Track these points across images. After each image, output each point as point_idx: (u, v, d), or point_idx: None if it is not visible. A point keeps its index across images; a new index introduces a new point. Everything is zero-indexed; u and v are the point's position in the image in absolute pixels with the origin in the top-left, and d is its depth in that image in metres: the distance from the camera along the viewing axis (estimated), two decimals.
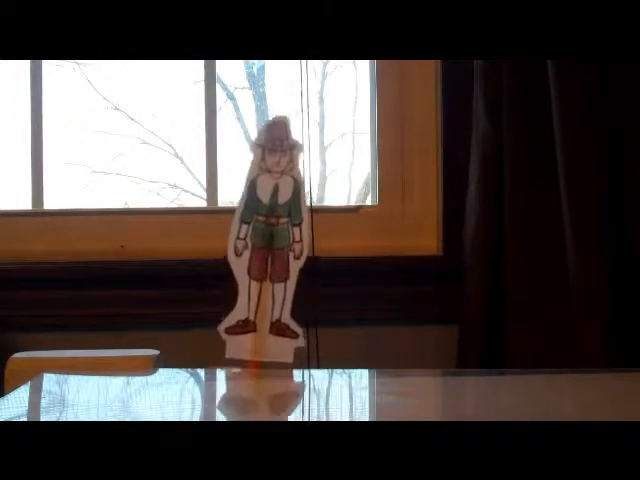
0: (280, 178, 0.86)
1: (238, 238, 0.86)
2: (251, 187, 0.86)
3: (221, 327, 0.86)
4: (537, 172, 1.17)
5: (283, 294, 0.85)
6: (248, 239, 0.85)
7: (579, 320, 1.12)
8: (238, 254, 0.86)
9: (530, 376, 0.85)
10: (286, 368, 0.85)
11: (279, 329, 0.85)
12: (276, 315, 0.85)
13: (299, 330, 0.85)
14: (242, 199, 0.87)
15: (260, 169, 0.86)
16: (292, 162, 0.86)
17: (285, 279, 0.85)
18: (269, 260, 0.86)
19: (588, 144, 1.13)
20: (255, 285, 0.85)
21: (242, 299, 0.85)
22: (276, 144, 0.86)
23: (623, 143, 1.14)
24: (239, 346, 0.85)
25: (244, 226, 0.86)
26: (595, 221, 1.12)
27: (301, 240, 0.85)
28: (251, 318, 0.85)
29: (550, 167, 1.15)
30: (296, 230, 0.85)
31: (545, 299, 1.16)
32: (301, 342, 0.85)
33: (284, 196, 0.86)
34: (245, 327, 0.85)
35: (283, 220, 0.86)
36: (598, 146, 1.13)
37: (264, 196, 0.86)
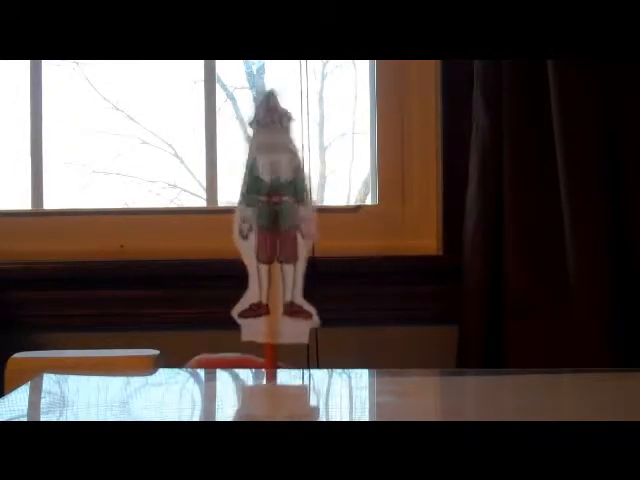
0: (278, 154, 0.84)
1: (243, 221, 0.84)
2: (251, 168, 0.84)
3: (234, 311, 0.85)
4: (537, 172, 1.17)
5: (293, 275, 0.84)
6: (253, 222, 0.84)
7: (579, 320, 1.12)
8: (244, 236, 0.85)
9: (530, 376, 0.85)
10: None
11: (292, 310, 0.84)
12: (288, 296, 0.84)
13: (312, 310, 0.84)
14: (244, 182, 0.85)
15: (257, 148, 0.84)
16: (286, 134, 0.83)
17: (294, 260, 0.84)
18: (277, 242, 0.85)
19: (588, 144, 1.13)
20: (264, 268, 0.84)
21: (252, 283, 0.84)
22: (267, 118, 0.84)
23: (623, 143, 1.14)
24: (254, 329, 0.84)
25: (248, 209, 0.84)
26: (595, 221, 1.12)
27: (307, 218, 0.84)
28: (263, 301, 0.84)
29: (550, 167, 1.15)
30: (302, 208, 0.84)
31: (545, 299, 1.16)
32: (316, 322, 0.84)
33: (285, 172, 0.84)
34: (258, 310, 0.84)
35: (287, 198, 0.84)
36: (598, 146, 1.13)
37: (265, 175, 0.84)
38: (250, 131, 0.86)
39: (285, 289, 0.84)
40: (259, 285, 0.84)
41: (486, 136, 1.18)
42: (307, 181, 0.84)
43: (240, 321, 0.85)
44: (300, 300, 0.84)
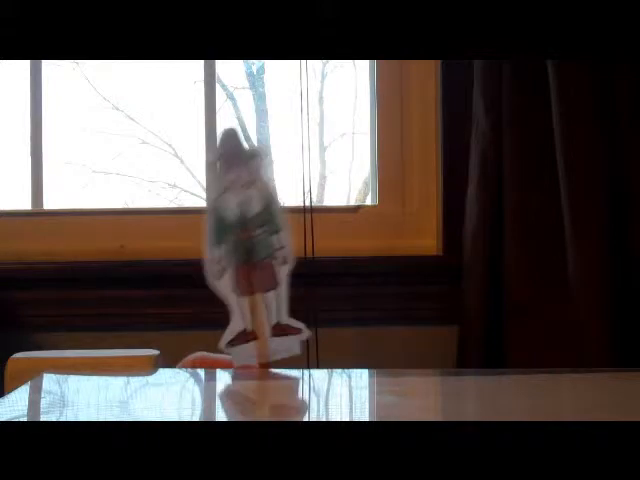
0: (245, 192, 0.81)
1: (215, 264, 0.82)
2: (216, 207, 0.81)
3: (222, 343, 0.84)
4: (537, 172, 1.17)
5: (276, 300, 0.83)
6: (223, 261, 0.82)
7: (579, 320, 1.12)
8: (218, 279, 0.83)
9: (530, 376, 0.85)
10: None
11: (280, 330, 0.84)
12: (274, 319, 0.84)
13: (300, 325, 0.84)
14: (209, 223, 0.82)
15: (222, 187, 0.81)
16: (253, 174, 0.81)
17: (274, 287, 0.83)
18: (253, 274, 0.83)
19: (588, 144, 1.13)
20: (245, 300, 0.83)
21: (235, 316, 0.84)
22: (230, 158, 0.81)
23: (623, 143, 1.14)
24: (244, 353, 0.84)
25: (216, 250, 0.82)
26: (595, 221, 1.12)
27: (284, 246, 0.82)
28: (248, 328, 0.84)
29: (550, 167, 1.15)
30: (275, 238, 0.82)
31: (545, 299, 1.16)
32: (306, 335, 0.84)
33: (253, 209, 0.81)
34: (246, 337, 0.84)
35: (258, 231, 0.82)
36: (598, 146, 1.13)
37: (231, 213, 0.82)
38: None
39: (269, 314, 0.83)
40: (242, 317, 0.84)
41: (486, 136, 1.18)
42: (279, 213, 0.81)
43: (229, 350, 0.84)
44: (287, 320, 0.84)
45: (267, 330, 0.84)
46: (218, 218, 0.82)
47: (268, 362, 0.84)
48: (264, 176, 0.82)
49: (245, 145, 0.82)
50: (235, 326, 0.84)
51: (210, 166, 0.83)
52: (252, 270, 0.83)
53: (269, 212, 0.82)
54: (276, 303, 0.83)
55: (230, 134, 0.82)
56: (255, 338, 0.84)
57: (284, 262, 0.82)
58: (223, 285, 0.83)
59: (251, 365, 0.92)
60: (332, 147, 1.52)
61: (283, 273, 0.83)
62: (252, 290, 0.83)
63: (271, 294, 0.83)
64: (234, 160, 0.82)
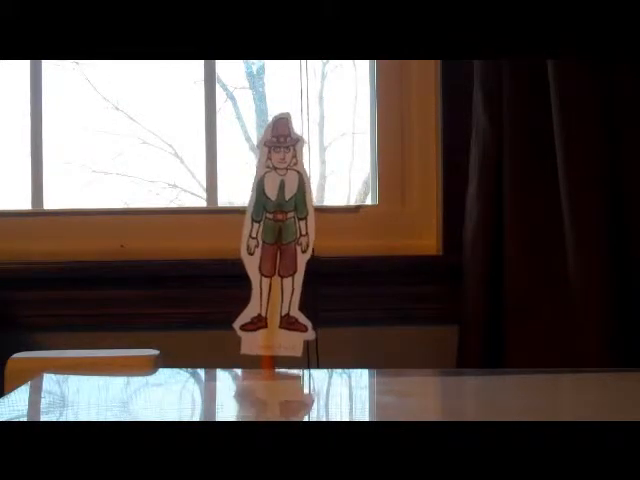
0: (285, 174, 0.88)
1: (250, 237, 0.89)
2: (259, 186, 0.89)
3: (236, 324, 0.88)
4: (537, 172, 1.17)
5: (291, 288, 0.87)
6: (259, 237, 0.88)
7: (579, 320, 1.12)
8: (251, 253, 0.88)
9: (530, 376, 0.85)
10: (296, 361, 0.86)
11: (288, 323, 0.86)
12: (285, 309, 0.86)
13: (308, 323, 0.86)
14: (251, 199, 0.90)
15: (267, 167, 0.88)
16: (296, 157, 0.88)
17: (293, 273, 0.87)
18: (278, 255, 0.88)
19: (588, 144, 1.13)
20: (265, 281, 0.87)
21: (255, 296, 0.88)
22: (280, 141, 0.88)
23: (623, 143, 1.14)
24: (252, 342, 0.87)
25: (255, 225, 0.88)
26: (595, 221, 1.12)
27: (307, 234, 0.87)
28: (262, 314, 0.87)
29: (550, 167, 1.15)
30: (302, 224, 0.87)
31: (545, 299, 1.16)
32: (310, 335, 0.86)
33: (290, 191, 0.88)
34: (257, 323, 0.87)
35: (290, 215, 0.88)
36: (598, 146, 1.13)
37: (271, 193, 0.88)
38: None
39: (283, 302, 0.86)
40: (260, 298, 0.87)
41: (486, 136, 1.18)
42: (309, 199, 0.88)
43: (241, 334, 0.87)
44: (296, 313, 0.86)
45: (277, 318, 0.86)
46: (260, 195, 0.89)
47: (272, 355, 0.86)
48: (303, 162, 0.89)
49: (293, 130, 0.89)
50: (252, 310, 0.87)
51: (261, 146, 0.90)
52: (277, 252, 0.87)
53: (301, 197, 0.88)
54: (291, 292, 0.86)
55: (282, 118, 0.90)
56: (265, 326, 0.86)
57: (305, 250, 0.87)
58: (252, 261, 0.88)
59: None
60: (332, 147, 1.52)
61: (302, 260, 0.87)
62: (273, 272, 0.87)
63: (288, 281, 0.87)
64: (282, 143, 0.89)
